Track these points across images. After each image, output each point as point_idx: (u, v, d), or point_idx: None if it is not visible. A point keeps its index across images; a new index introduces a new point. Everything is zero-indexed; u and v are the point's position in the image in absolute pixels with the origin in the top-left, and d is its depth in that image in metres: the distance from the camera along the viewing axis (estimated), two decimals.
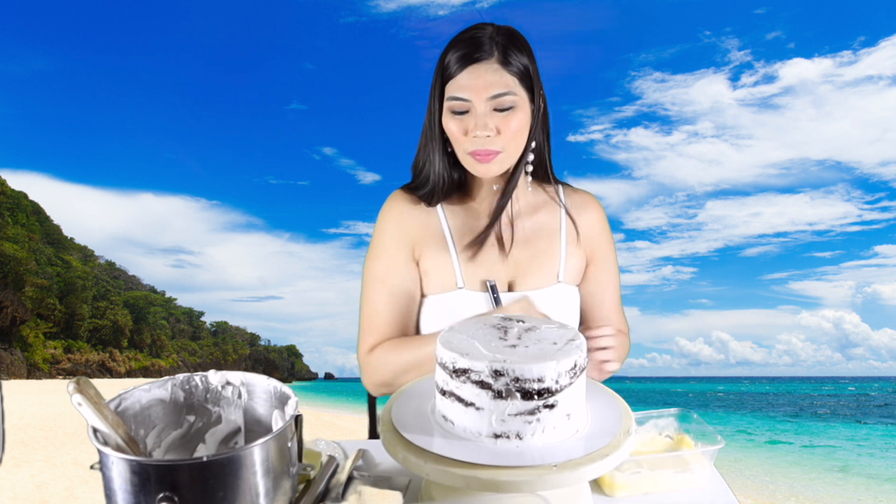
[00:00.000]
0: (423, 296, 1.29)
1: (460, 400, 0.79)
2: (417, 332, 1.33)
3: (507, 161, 1.18)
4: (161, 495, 0.65)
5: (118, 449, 0.71)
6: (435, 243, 1.26)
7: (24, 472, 5.83)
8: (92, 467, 0.72)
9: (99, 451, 0.69)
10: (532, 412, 0.76)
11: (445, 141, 1.22)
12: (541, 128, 1.24)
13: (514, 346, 0.80)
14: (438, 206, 1.29)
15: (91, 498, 5.04)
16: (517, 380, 0.75)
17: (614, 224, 1.40)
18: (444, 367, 0.81)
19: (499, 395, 0.76)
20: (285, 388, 0.82)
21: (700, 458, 0.94)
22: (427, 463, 0.76)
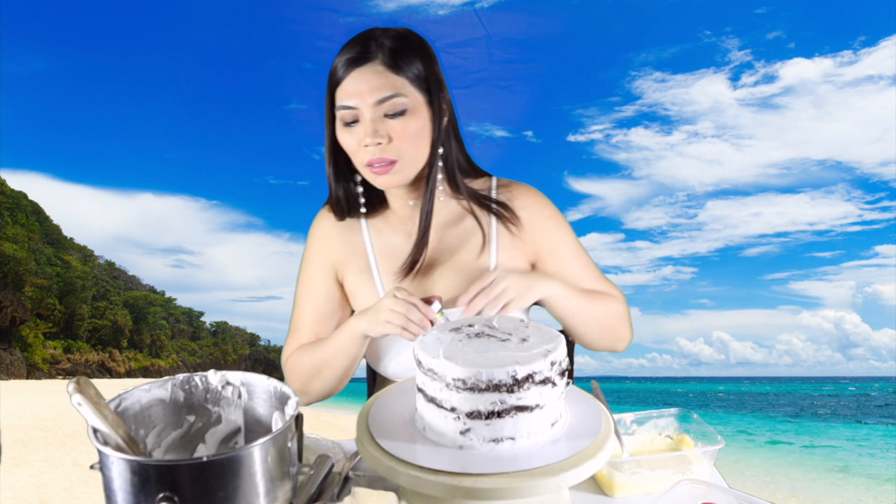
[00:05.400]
0: (353, 311, 1.31)
1: (433, 401, 0.79)
2: None
3: (408, 170, 1.13)
4: (161, 495, 0.65)
5: (118, 449, 0.71)
6: (358, 264, 1.27)
7: (24, 473, 5.83)
8: (92, 467, 0.72)
9: (99, 451, 0.70)
10: (504, 414, 0.76)
11: (343, 155, 1.17)
12: (447, 134, 1.18)
13: (485, 349, 0.80)
14: (362, 222, 1.28)
15: (91, 498, 5.03)
16: (489, 382, 0.75)
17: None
18: (419, 366, 0.81)
19: (471, 396, 0.75)
20: (285, 388, 0.82)
21: (700, 458, 0.94)
22: (403, 470, 0.75)
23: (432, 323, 1.09)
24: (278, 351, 1.32)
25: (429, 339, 0.84)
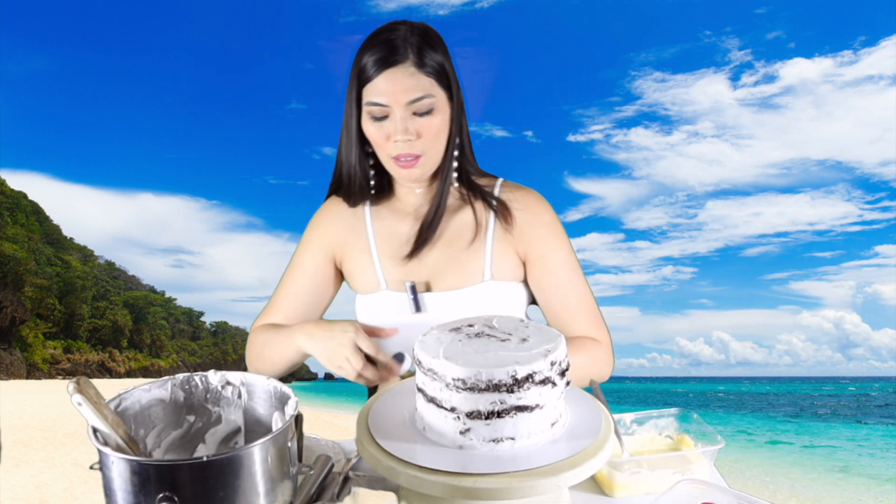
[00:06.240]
0: (336, 295, 1.37)
1: (433, 401, 0.79)
2: None
3: (429, 164, 1.19)
4: (161, 495, 0.65)
5: (118, 449, 0.71)
6: (359, 246, 1.31)
7: (24, 473, 5.83)
8: (92, 467, 0.72)
9: (99, 451, 0.70)
10: (504, 414, 0.76)
11: (365, 143, 1.22)
12: (458, 127, 1.22)
13: (485, 349, 0.80)
14: (366, 208, 1.32)
15: (91, 498, 5.04)
16: (489, 382, 0.75)
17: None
18: (420, 366, 0.81)
19: (471, 396, 0.75)
20: (285, 388, 0.82)
21: (700, 458, 0.94)
22: (403, 470, 0.75)
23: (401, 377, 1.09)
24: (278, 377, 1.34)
25: (429, 339, 0.84)
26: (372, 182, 1.28)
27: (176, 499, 0.65)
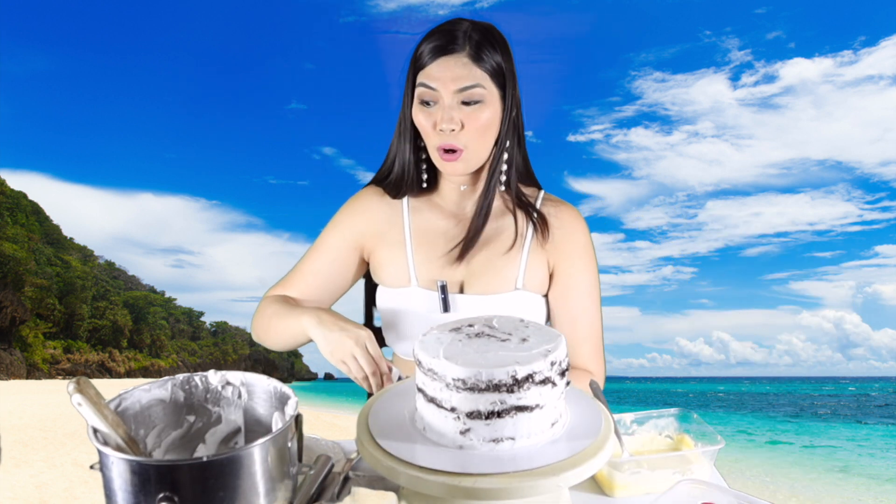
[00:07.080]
0: (374, 286, 1.35)
1: (433, 401, 0.79)
2: (369, 319, 1.51)
3: (472, 160, 1.18)
4: (161, 495, 0.65)
5: (118, 449, 0.71)
6: (394, 238, 1.29)
7: (24, 473, 5.83)
8: (92, 467, 0.72)
9: (99, 451, 0.70)
10: (504, 414, 0.75)
11: (417, 134, 1.22)
12: (513, 130, 1.22)
13: (485, 349, 0.80)
14: (404, 201, 1.31)
15: (91, 498, 5.04)
16: (489, 382, 0.74)
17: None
18: (419, 366, 0.81)
19: (471, 396, 0.75)
20: (285, 388, 0.82)
21: (700, 458, 0.94)
22: (403, 470, 0.74)
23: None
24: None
25: (429, 339, 0.84)
26: (424, 176, 1.27)
27: (176, 499, 0.65)
